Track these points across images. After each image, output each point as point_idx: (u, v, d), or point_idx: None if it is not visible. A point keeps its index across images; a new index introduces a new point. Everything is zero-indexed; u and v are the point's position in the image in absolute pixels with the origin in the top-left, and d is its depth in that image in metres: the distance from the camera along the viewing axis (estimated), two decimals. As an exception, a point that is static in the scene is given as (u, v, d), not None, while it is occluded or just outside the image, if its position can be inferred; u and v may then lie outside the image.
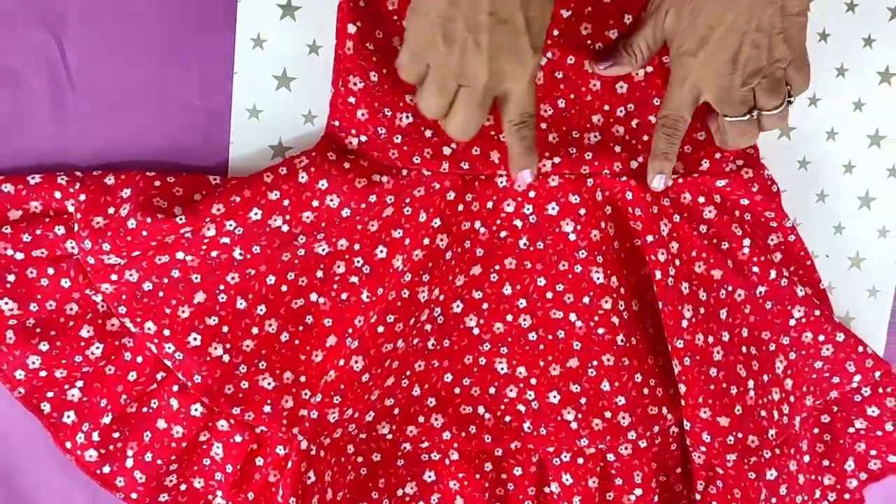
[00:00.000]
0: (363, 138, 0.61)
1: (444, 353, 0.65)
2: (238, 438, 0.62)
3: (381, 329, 0.61)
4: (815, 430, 0.69)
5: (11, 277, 0.59)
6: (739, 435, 0.64)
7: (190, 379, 0.61)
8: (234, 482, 0.62)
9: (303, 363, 0.63)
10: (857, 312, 0.71)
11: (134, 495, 0.62)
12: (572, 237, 0.64)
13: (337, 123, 0.61)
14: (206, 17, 0.61)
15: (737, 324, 0.66)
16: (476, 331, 0.65)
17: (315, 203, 0.59)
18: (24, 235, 0.59)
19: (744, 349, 0.66)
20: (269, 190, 0.58)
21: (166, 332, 0.60)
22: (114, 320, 0.61)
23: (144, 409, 0.62)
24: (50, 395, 0.61)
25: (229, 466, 0.62)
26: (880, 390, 0.69)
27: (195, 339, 0.60)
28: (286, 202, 0.59)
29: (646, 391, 0.65)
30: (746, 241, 0.65)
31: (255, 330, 0.62)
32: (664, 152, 0.62)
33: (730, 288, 0.65)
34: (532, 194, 0.63)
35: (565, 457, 0.65)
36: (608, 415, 0.65)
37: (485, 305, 0.65)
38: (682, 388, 0.64)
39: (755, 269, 0.65)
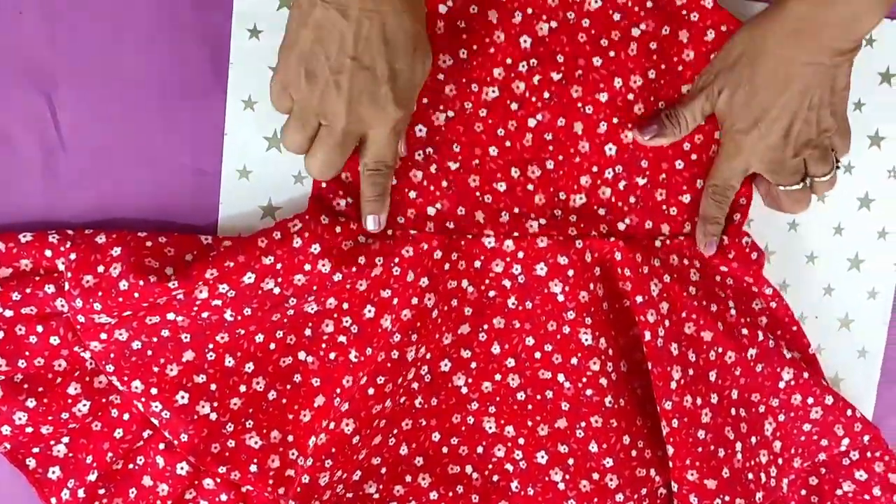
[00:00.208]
0: (350, 200, 0.61)
1: (431, 411, 0.65)
2: (224, 497, 0.62)
3: (371, 391, 0.61)
4: (803, 493, 0.69)
5: (0, 334, 0.60)
6: (727, 498, 0.64)
7: (176, 437, 0.60)
8: (220, 541, 0.62)
9: (290, 422, 0.63)
10: (846, 373, 0.70)
11: (119, 552, 0.62)
12: (560, 298, 0.64)
13: (324, 185, 0.62)
14: (198, 79, 0.61)
15: (726, 385, 0.66)
16: (464, 390, 0.65)
17: (307, 267, 0.59)
18: (14, 293, 0.60)
19: (733, 411, 0.66)
20: (264, 255, 0.59)
21: (154, 391, 0.60)
22: (101, 377, 0.61)
23: (130, 467, 0.62)
24: (36, 450, 0.61)
25: (214, 525, 0.62)
26: (869, 454, 0.69)
27: (183, 397, 0.60)
28: (279, 266, 0.59)
29: (634, 453, 0.65)
30: (731, 304, 0.65)
31: (242, 388, 0.62)
32: (715, 217, 0.64)
33: (720, 349, 0.65)
34: (521, 255, 0.63)
35: (553, 518, 0.65)
36: (596, 476, 0.65)
37: (473, 364, 0.65)
38: (670, 450, 0.63)
39: (744, 330, 0.65)
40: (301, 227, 0.60)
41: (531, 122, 0.63)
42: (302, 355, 0.63)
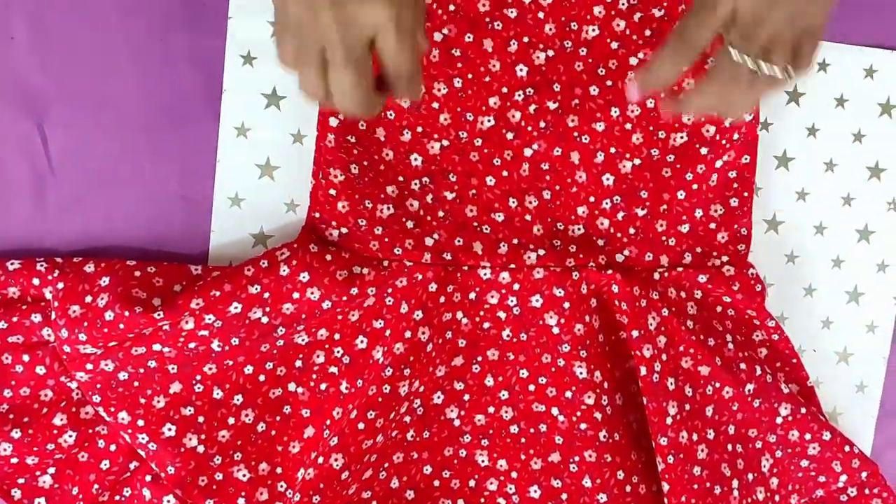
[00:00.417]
0: (344, 230, 0.61)
1: (423, 444, 0.64)
2: (211, 530, 0.61)
3: (361, 426, 0.60)
4: (801, 530, 0.68)
5: (-14, 363, 0.59)
6: (723, 535, 0.63)
7: (163, 470, 0.59)
8: (206, 575, 0.61)
9: (279, 454, 0.62)
10: (844, 408, 0.70)
11: (103, 586, 0.61)
12: (556, 330, 0.63)
13: (317, 215, 0.61)
14: (191, 105, 0.61)
15: (723, 421, 0.65)
16: (457, 422, 0.64)
17: (296, 295, 0.59)
18: (1, 322, 0.59)
19: (729, 447, 0.65)
20: (250, 284, 0.58)
21: (140, 423, 0.59)
22: (88, 408, 0.60)
23: (117, 498, 0.61)
24: (21, 481, 0.60)
25: (201, 559, 0.61)
26: (867, 491, 0.68)
27: (169, 429, 0.59)
28: (266, 295, 0.58)
29: (628, 488, 0.64)
30: (728, 338, 0.64)
31: (231, 420, 0.61)
32: (658, 70, 0.54)
33: (717, 384, 0.64)
34: (516, 286, 0.62)
35: (545, 554, 0.64)
36: (589, 512, 0.64)
37: (466, 397, 0.64)
38: (666, 486, 0.62)
39: (742, 365, 0.64)
40: (289, 256, 0.59)
41: (527, 152, 0.62)
42: (292, 386, 0.62)
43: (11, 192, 0.60)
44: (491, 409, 0.64)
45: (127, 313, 0.56)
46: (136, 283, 0.58)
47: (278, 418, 0.62)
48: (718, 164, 0.64)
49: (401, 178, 0.62)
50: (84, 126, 0.60)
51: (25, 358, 0.59)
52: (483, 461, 0.64)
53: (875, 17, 0.67)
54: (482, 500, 0.64)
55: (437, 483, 0.64)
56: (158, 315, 0.57)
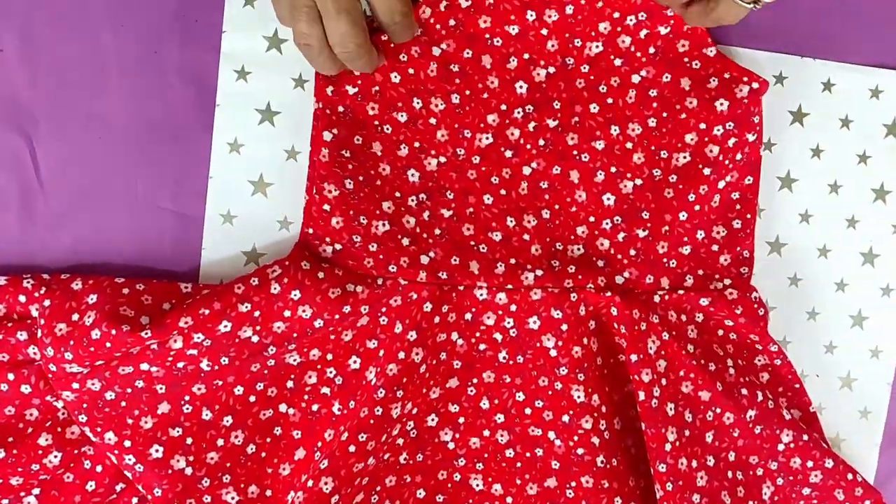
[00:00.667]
0: (338, 246, 0.59)
1: (416, 467, 0.62)
2: (198, 554, 0.60)
3: (352, 448, 0.58)
4: (802, 559, 0.67)
5: (-30, 381, 0.58)
6: (722, 564, 0.62)
7: (150, 492, 0.58)
8: None
9: (269, 476, 0.61)
10: (847, 434, 0.68)
11: None
12: (553, 353, 0.62)
13: (311, 231, 0.60)
14: (183, 120, 0.60)
15: (723, 447, 0.63)
16: (451, 445, 0.63)
17: (287, 313, 0.57)
18: (-15, 339, 0.58)
19: (729, 474, 0.63)
20: (240, 302, 0.57)
21: (127, 444, 0.58)
22: (74, 428, 0.59)
23: (103, 520, 0.60)
24: (5, 502, 0.59)
25: (187, 584, 0.60)
26: (870, 520, 0.66)
27: (157, 450, 0.58)
28: (257, 313, 0.57)
29: (626, 516, 0.63)
30: (730, 362, 0.63)
31: (220, 442, 0.59)
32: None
33: (718, 410, 0.63)
34: (514, 308, 0.61)
35: (540, 581, 0.63)
36: (586, 539, 0.62)
37: (461, 419, 0.62)
38: (664, 514, 0.61)
39: (744, 390, 0.63)
40: (280, 273, 0.58)
41: (526, 171, 0.61)
42: (283, 407, 0.60)
43: (-1, 207, 0.59)
44: (486, 433, 0.63)
45: (114, 332, 0.55)
46: (124, 300, 0.57)
47: (268, 440, 0.60)
48: (721, 184, 0.63)
49: (397, 195, 0.60)
50: (74, 140, 0.59)
51: (11, 376, 0.58)
52: (478, 485, 0.63)
53: (881, 38, 0.66)
54: (476, 525, 0.63)
55: (430, 507, 0.63)
56: (146, 334, 0.55)
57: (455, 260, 0.61)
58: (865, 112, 0.66)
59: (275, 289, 0.57)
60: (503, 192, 0.61)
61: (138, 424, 0.58)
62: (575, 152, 0.61)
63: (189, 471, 0.59)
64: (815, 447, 0.64)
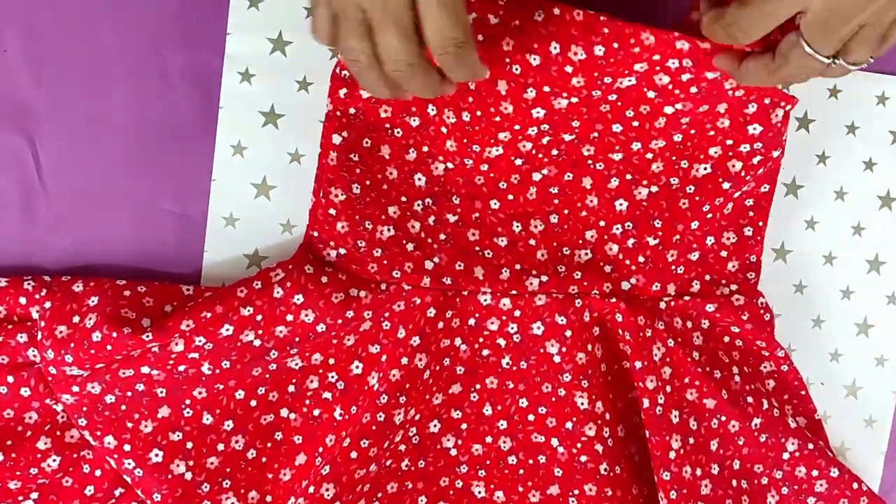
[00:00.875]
0: (342, 251, 0.59)
1: (418, 474, 0.62)
2: (197, 560, 0.59)
3: (354, 454, 0.58)
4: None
5: (-31, 383, 0.57)
6: (727, 574, 0.61)
7: (149, 497, 0.58)
8: None
9: (269, 482, 0.60)
10: (852, 443, 0.68)
11: None
12: (557, 359, 0.61)
13: (316, 234, 0.59)
14: (187, 123, 0.59)
15: (728, 455, 0.63)
16: (453, 452, 0.62)
17: (289, 318, 0.57)
18: (-15, 342, 0.57)
19: (734, 482, 0.63)
20: (242, 305, 0.56)
21: (126, 448, 0.57)
22: (73, 432, 0.59)
23: (101, 525, 0.59)
24: (3, 506, 0.59)
25: (186, 590, 0.59)
26: (876, 530, 0.66)
27: (157, 455, 0.58)
28: (259, 317, 0.56)
29: (629, 524, 0.62)
30: (735, 370, 0.63)
31: (220, 446, 0.59)
32: (711, 34, 0.52)
33: (723, 418, 0.62)
34: (517, 313, 0.61)
35: (543, 589, 0.62)
36: (589, 547, 0.62)
37: (463, 426, 0.62)
38: (668, 523, 0.61)
39: (749, 398, 0.63)
40: (283, 277, 0.57)
41: (536, 176, 0.60)
42: (284, 412, 0.60)
43: (0, 208, 0.59)
44: (489, 439, 0.62)
45: (115, 334, 0.55)
46: (125, 302, 0.57)
47: (269, 445, 0.60)
48: (737, 194, 0.62)
49: (403, 199, 0.60)
50: (76, 142, 0.59)
51: (10, 379, 0.57)
52: (480, 492, 0.62)
53: (888, 44, 0.65)
54: (478, 532, 0.62)
55: (432, 514, 0.62)
56: (147, 337, 0.55)
57: (459, 265, 0.60)
58: (872, 119, 0.65)
59: (277, 293, 0.57)
60: (510, 196, 0.61)
61: (138, 428, 0.58)
62: (590, 161, 0.60)
63: (189, 476, 0.58)
64: (821, 456, 0.64)
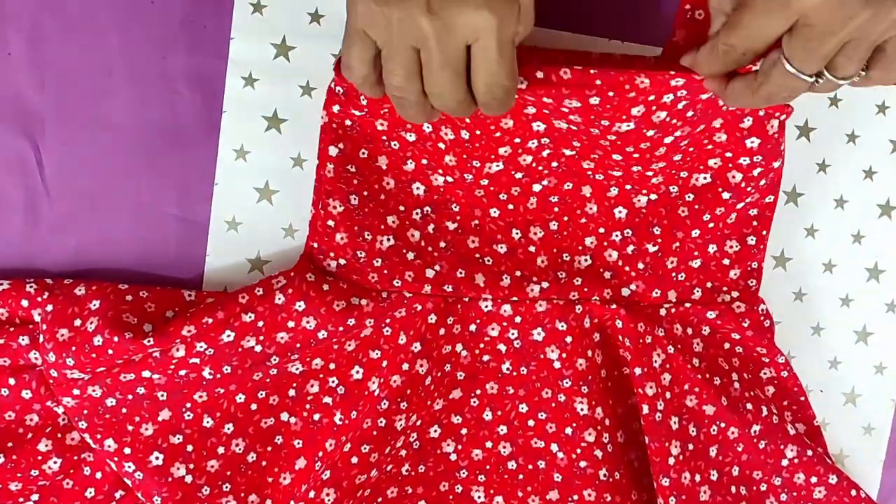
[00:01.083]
0: (342, 261, 0.59)
1: (418, 479, 0.62)
2: (197, 563, 0.59)
3: (354, 460, 0.58)
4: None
5: (-30, 385, 0.57)
6: (725, 580, 0.61)
7: (149, 500, 0.58)
8: None
9: (269, 485, 0.60)
10: (850, 450, 0.68)
11: None
12: (557, 365, 0.61)
13: (315, 245, 0.59)
14: (189, 127, 0.59)
15: (727, 462, 0.63)
16: (453, 457, 0.62)
17: (290, 324, 0.57)
18: (-14, 344, 0.57)
19: (733, 489, 0.63)
20: (244, 312, 0.56)
21: (127, 451, 0.57)
22: (74, 434, 0.59)
23: (101, 527, 0.59)
24: (3, 508, 0.59)
25: (186, 593, 0.59)
26: (873, 537, 0.66)
27: (157, 458, 0.58)
28: (260, 323, 0.56)
29: (628, 530, 0.62)
30: (735, 376, 0.63)
31: (220, 450, 0.59)
32: (711, 70, 0.51)
33: (722, 424, 0.62)
34: (518, 319, 0.61)
35: None
36: (588, 553, 0.62)
37: (463, 431, 0.62)
38: (667, 528, 0.61)
39: (748, 405, 0.63)
40: (285, 284, 0.57)
41: (536, 188, 0.60)
42: (285, 416, 0.60)
43: (3, 211, 0.59)
44: (489, 444, 0.62)
45: (116, 339, 0.55)
46: (127, 307, 0.57)
47: (269, 448, 0.60)
48: (740, 205, 0.62)
49: (401, 208, 0.60)
50: (80, 145, 0.59)
51: (11, 381, 0.58)
52: (479, 497, 0.63)
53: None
54: (477, 537, 0.63)
55: (431, 519, 0.62)
56: (148, 342, 0.55)
57: (461, 272, 0.60)
58: (872, 127, 0.66)
59: (279, 300, 0.57)
60: (511, 206, 0.61)
61: (139, 431, 0.58)
62: (589, 173, 0.60)
63: (189, 479, 0.58)
64: (820, 463, 0.64)
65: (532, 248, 0.61)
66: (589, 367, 0.61)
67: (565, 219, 0.61)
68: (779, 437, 0.63)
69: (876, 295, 0.67)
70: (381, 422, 0.58)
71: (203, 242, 0.60)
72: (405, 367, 0.58)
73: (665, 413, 0.61)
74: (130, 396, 0.57)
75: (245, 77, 0.59)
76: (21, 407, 0.58)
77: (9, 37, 0.58)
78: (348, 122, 0.58)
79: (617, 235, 0.62)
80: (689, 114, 0.56)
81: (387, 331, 0.59)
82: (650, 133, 0.56)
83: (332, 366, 0.60)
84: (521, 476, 0.63)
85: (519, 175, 0.59)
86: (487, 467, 0.62)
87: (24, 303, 0.57)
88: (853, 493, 0.65)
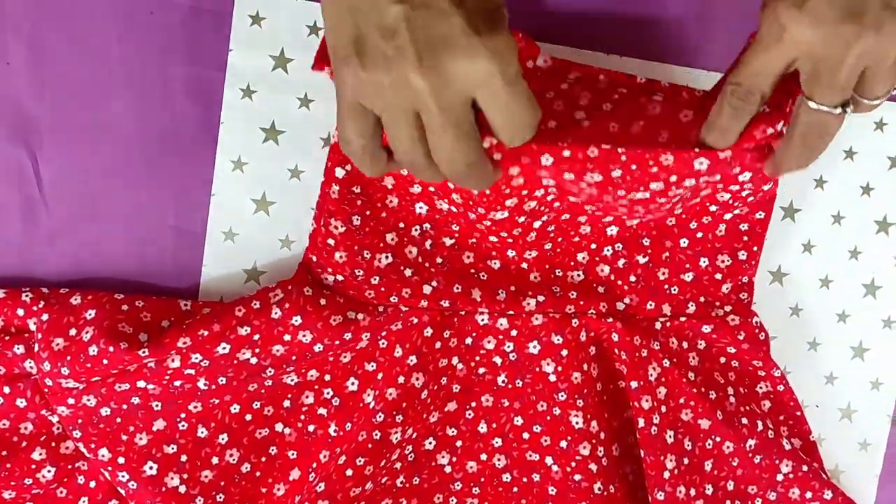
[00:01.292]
0: (339, 277, 0.59)
1: (413, 491, 0.62)
2: (190, 574, 0.59)
3: (349, 472, 0.58)
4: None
5: (-34, 393, 0.57)
6: None
7: (143, 510, 0.58)
8: None
9: (263, 496, 0.60)
10: (846, 466, 0.68)
11: None
12: (552, 378, 0.61)
13: (314, 259, 0.59)
14: (187, 137, 0.60)
15: (722, 476, 0.63)
16: (448, 469, 0.62)
17: (287, 338, 0.57)
18: (-18, 353, 0.57)
19: (728, 503, 0.63)
20: (240, 325, 0.56)
21: (121, 460, 0.57)
22: (68, 443, 0.59)
23: (95, 537, 0.59)
24: (-3, 516, 0.59)
25: None
26: (868, 554, 0.66)
27: (151, 467, 0.58)
28: (256, 336, 0.57)
29: (622, 544, 0.62)
30: (730, 391, 0.63)
31: (215, 460, 0.59)
32: (724, 129, 0.49)
33: (718, 439, 0.62)
34: (514, 332, 0.61)
35: None
36: (581, 567, 0.62)
37: (458, 443, 0.62)
38: (661, 543, 0.61)
39: (744, 419, 0.63)
40: (282, 298, 0.57)
41: (536, 224, 0.59)
42: (279, 427, 0.60)
43: (1, 219, 0.59)
44: (483, 457, 0.62)
45: (111, 349, 0.55)
46: (122, 317, 0.57)
47: (263, 459, 0.60)
48: (728, 216, 0.62)
49: (401, 225, 0.60)
50: (77, 155, 0.59)
51: (6, 390, 0.58)
52: (473, 510, 0.63)
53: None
54: (471, 550, 0.62)
55: (425, 531, 0.62)
56: (144, 352, 0.55)
57: (457, 288, 0.60)
58: (869, 144, 0.66)
59: (276, 313, 0.57)
60: (510, 240, 0.59)
61: (133, 441, 0.58)
62: (589, 209, 0.59)
63: (183, 489, 0.58)
64: (815, 478, 0.64)
65: (524, 265, 0.61)
66: (584, 381, 0.61)
67: (559, 240, 0.61)
68: (774, 451, 0.63)
69: (872, 311, 0.67)
70: (376, 434, 0.58)
71: (199, 252, 0.60)
72: (401, 379, 0.58)
73: (660, 427, 0.61)
74: (125, 406, 0.57)
75: (243, 88, 0.60)
76: (16, 415, 0.58)
77: (8, 46, 0.58)
78: None
79: (608, 250, 0.62)
80: (707, 191, 0.56)
81: (383, 343, 0.59)
82: (661, 200, 0.55)
83: (327, 377, 0.60)
84: (515, 489, 0.62)
85: (522, 219, 0.58)
86: (482, 480, 0.62)
87: (20, 312, 0.58)
88: (848, 509, 0.65)
